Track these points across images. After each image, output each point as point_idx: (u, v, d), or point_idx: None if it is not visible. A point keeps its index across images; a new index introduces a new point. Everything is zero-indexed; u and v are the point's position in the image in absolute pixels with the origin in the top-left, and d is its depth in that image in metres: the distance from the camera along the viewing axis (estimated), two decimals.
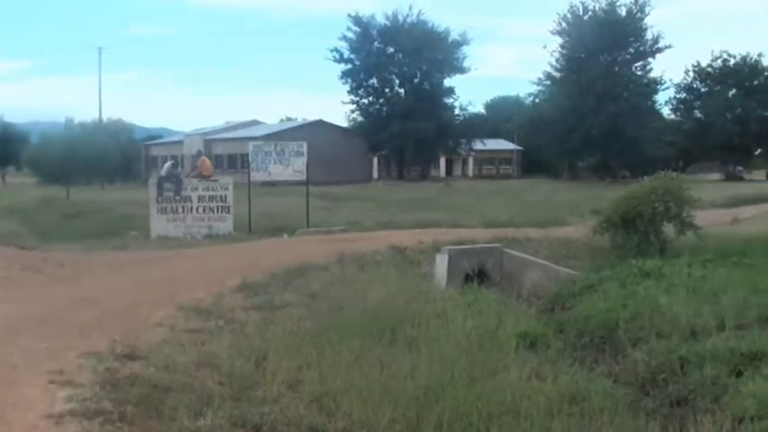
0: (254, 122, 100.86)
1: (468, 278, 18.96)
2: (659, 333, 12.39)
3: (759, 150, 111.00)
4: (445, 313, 13.61)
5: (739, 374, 10.09)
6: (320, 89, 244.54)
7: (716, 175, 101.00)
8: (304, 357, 10.15)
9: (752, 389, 9.35)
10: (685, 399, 9.99)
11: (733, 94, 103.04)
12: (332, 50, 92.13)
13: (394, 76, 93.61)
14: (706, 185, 60.02)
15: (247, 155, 30.37)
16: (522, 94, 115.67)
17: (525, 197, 50.40)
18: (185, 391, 8.27)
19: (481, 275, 19.68)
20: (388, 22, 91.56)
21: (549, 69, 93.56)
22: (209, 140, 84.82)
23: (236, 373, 9.18)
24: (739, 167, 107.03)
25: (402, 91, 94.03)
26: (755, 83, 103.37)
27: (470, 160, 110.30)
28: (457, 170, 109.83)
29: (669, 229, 23.20)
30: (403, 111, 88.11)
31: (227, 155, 77.28)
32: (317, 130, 76.88)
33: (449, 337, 11.70)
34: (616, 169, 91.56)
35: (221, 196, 26.56)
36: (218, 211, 26.50)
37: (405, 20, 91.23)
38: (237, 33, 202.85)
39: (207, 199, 26.41)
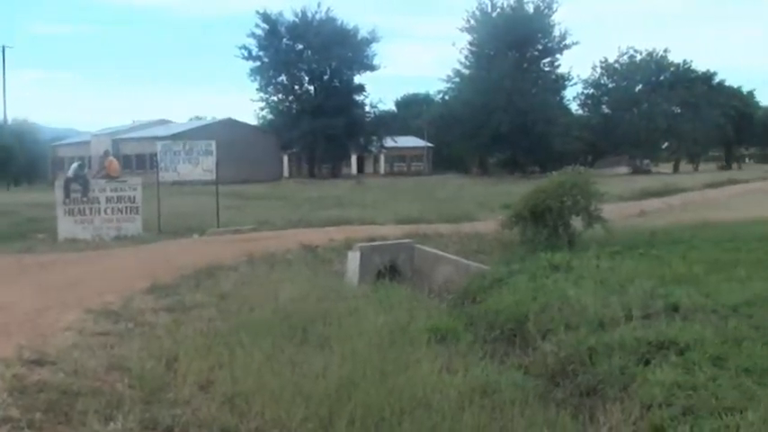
0: (163, 121, 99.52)
1: (380, 275, 19.02)
2: (568, 325, 12.53)
3: (665, 144, 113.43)
4: (357, 310, 13.63)
5: (647, 363, 10.24)
6: (231, 87, 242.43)
7: (623, 169, 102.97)
8: (215, 358, 10.06)
9: (659, 377, 9.51)
10: (594, 388, 10.11)
11: (639, 90, 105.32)
12: (240, 48, 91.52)
13: (303, 74, 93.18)
14: (614, 179, 61.08)
15: (156, 154, 29.95)
16: (432, 92, 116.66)
17: (436, 193, 50.61)
18: (95, 395, 8.14)
19: (393, 272, 19.75)
20: (296, 20, 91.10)
21: (458, 67, 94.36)
22: (116, 140, 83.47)
23: (147, 376, 9.06)
24: (646, 161, 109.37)
25: (312, 88, 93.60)
26: (661, 78, 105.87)
27: (382, 157, 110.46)
28: (368, 167, 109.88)
29: (577, 223, 23.53)
30: (313, 108, 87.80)
31: (135, 155, 76.21)
32: (226, 129, 76.10)
33: (361, 334, 11.69)
34: (525, 164, 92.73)
35: (130, 197, 26.12)
36: (126, 212, 26.05)
37: (314, 17, 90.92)
38: (144, 31, 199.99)
39: (115, 200, 25.95)
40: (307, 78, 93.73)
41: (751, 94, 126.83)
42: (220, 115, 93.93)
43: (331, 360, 10.21)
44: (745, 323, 11.46)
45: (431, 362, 10.45)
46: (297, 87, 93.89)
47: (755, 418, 8.09)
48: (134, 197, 26.23)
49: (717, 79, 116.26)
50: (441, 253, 21.78)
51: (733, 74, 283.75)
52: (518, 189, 28.23)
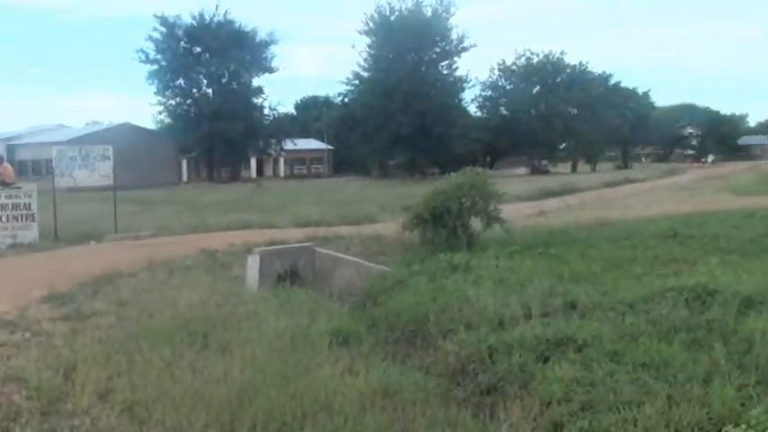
0: (61, 126, 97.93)
1: (280, 278, 18.90)
2: (468, 324, 12.60)
3: (563, 145, 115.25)
4: (257, 315, 13.58)
5: (546, 360, 10.36)
6: (129, 91, 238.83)
7: (522, 170, 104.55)
8: (114, 366, 9.94)
9: (558, 374, 9.63)
10: (495, 386, 10.18)
11: (537, 91, 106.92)
12: (138, 51, 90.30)
13: (201, 77, 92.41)
14: (513, 180, 61.82)
15: (52, 160, 29.35)
16: (332, 94, 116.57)
17: (336, 196, 50.61)
18: None
19: (293, 275, 19.65)
20: (194, 22, 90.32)
21: (357, 69, 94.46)
22: (11, 146, 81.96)
23: (45, 387, 8.93)
24: (544, 161, 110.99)
25: (210, 91, 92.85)
26: (558, 80, 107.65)
27: (281, 160, 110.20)
28: (268, 170, 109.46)
29: (477, 223, 23.70)
30: (211, 111, 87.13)
31: (31, 160, 74.68)
32: (124, 134, 74.86)
33: (261, 338, 11.66)
34: (425, 166, 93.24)
35: (25, 204, 25.53)
36: (22, 220, 25.47)
37: (212, 20, 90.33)
38: (39, 34, 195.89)
39: (10, 207, 25.34)
40: (205, 81, 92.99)
41: (647, 94, 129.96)
42: (119, 120, 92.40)
43: (232, 365, 10.16)
44: (641, 319, 11.66)
45: (332, 365, 10.47)
46: (195, 91, 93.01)
47: (652, 411, 8.24)
48: (29, 204, 25.65)
49: (613, 80, 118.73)
50: (341, 255, 21.75)
51: (629, 75, 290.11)
52: (418, 191, 28.30)
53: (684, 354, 9.94)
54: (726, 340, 10.31)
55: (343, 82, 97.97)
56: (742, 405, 8.23)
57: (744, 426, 7.47)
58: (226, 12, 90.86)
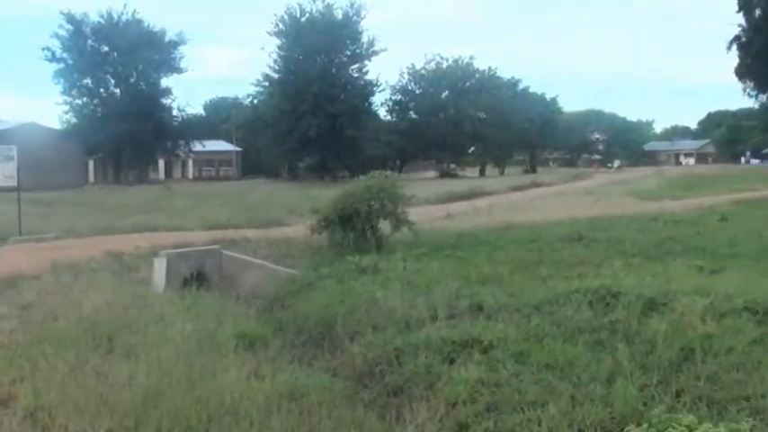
0: None
1: (187, 281, 18.70)
2: (376, 326, 12.63)
3: (472, 148, 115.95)
4: (163, 318, 13.42)
5: (452, 362, 10.42)
6: (35, 90, 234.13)
7: (431, 173, 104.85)
8: (17, 371, 9.75)
9: (464, 375, 9.69)
10: (401, 388, 10.21)
11: (446, 96, 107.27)
12: (44, 49, 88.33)
13: (109, 76, 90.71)
14: (422, 183, 62.11)
15: None
16: (241, 95, 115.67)
17: (245, 198, 50.28)
18: None
19: (200, 278, 19.46)
20: (102, 21, 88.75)
21: (267, 71, 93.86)
22: None
23: None
24: (453, 165, 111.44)
25: (118, 91, 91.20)
26: (467, 84, 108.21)
27: (190, 162, 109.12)
28: (176, 172, 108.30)
29: (385, 226, 23.79)
30: (119, 112, 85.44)
31: None
32: (28, 133, 73.06)
33: (167, 342, 11.52)
34: (335, 169, 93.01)
35: None
36: None
37: (120, 18, 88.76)
38: None
39: None
40: (113, 81, 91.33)
41: (554, 100, 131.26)
42: (24, 119, 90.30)
43: (137, 369, 10.02)
44: (546, 320, 11.82)
45: (238, 368, 10.38)
46: (102, 90, 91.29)
47: (556, 411, 8.36)
48: None
49: (521, 86, 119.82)
50: (249, 258, 21.63)
51: (538, 81, 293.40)
52: (327, 193, 28.32)
53: (588, 354, 10.10)
54: (629, 341, 10.50)
55: (253, 83, 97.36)
56: (644, 404, 8.38)
57: (645, 425, 7.59)
58: (134, 11, 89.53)
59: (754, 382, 8.85)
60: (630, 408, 8.29)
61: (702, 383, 8.96)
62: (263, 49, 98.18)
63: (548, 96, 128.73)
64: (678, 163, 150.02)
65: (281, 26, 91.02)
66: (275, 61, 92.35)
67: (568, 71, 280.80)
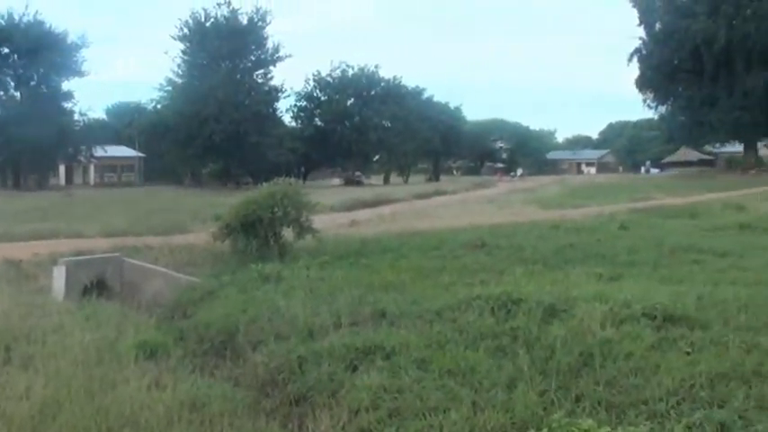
0: None
1: (87, 290, 18.41)
2: (278, 335, 12.58)
3: (377, 156, 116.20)
4: (63, 328, 13.21)
5: (355, 369, 10.44)
6: None
7: (336, 181, 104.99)
8: None
9: (366, 382, 9.70)
10: (304, 396, 10.17)
11: (351, 103, 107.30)
12: None
13: (9, 79, 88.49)
14: (326, 190, 62.08)
15: None
16: (144, 100, 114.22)
17: (147, 205, 49.55)
18: None
19: (101, 286, 19.18)
20: (2, 22, 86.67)
21: (171, 75, 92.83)
22: None
23: None
24: (358, 173, 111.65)
25: (18, 94, 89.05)
26: (372, 92, 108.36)
27: (91, 168, 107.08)
28: (77, 178, 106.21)
29: (289, 234, 23.70)
30: (19, 116, 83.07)
31: None
32: None
33: (66, 352, 11.34)
34: (239, 175, 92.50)
35: None
36: None
37: (21, 20, 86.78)
38: None
39: None
40: (12, 84, 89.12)
41: (458, 109, 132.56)
42: None
43: (35, 380, 9.86)
44: (449, 327, 11.89)
45: (139, 379, 10.26)
46: (2, 93, 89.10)
47: (458, 417, 8.43)
48: None
49: (426, 95, 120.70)
50: (150, 266, 21.37)
51: (441, 90, 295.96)
52: (231, 200, 28.08)
53: (490, 360, 10.19)
54: (530, 347, 10.63)
55: (156, 88, 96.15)
56: (544, 410, 8.49)
57: (545, 430, 7.70)
58: (36, 12, 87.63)
59: (652, 387, 9.03)
60: (531, 413, 8.40)
61: (601, 388, 9.11)
62: (166, 53, 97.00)
63: (452, 105, 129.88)
64: (580, 172, 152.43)
65: (185, 30, 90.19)
66: (179, 66, 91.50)
67: (472, 81, 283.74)
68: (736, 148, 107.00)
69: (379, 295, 14.81)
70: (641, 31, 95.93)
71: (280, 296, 15.49)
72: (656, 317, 11.72)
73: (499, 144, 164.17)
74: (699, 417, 8.17)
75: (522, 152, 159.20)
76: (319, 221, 25.28)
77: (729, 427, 8.02)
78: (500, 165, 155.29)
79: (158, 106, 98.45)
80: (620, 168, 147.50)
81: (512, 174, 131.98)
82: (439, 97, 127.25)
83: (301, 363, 11.01)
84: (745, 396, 8.69)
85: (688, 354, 10.26)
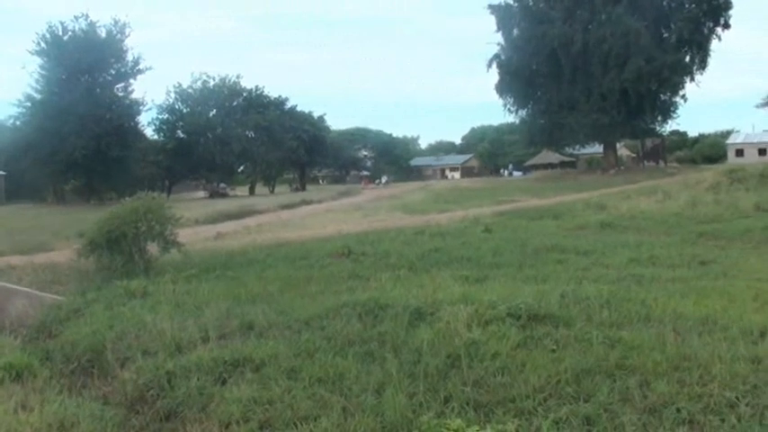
0: None
1: None
2: (146, 351, 12.43)
3: (241, 168, 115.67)
4: None
5: (224, 382, 10.39)
6: None
7: (201, 193, 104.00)
8: None
9: (236, 394, 9.68)
10: (174, 412, 10.08)
11: (214, 114, 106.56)
12: None
13: None
14: (191, 203, 61.49)
15: None
16: (2, 117, 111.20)
17: (9, 224, 48.21)
18: None
19: None
20: None
21: (30, 91, 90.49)
22: None
23: None
24: (223, 184, 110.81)
25: None
26: (234, 103, 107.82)
27: None
28: None
29: (154, 248, 23.43)
30: None
31: None
32: None
33: None
34: (103, 191, 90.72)
35: None
36: None
37: None
38: None
39: None
40: None
41: (322, 118, 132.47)
42: None
43: None
44: (317, 335, 11.94)
45: (4, 401, 10.06)
46: None
47: (328, 424, 8.49)
48: None
49: (289, 105, 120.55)
50: (12, 286, 20.79)
51: (304, 100, 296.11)
52: (94, 216, 27.53)
53: (359, 366, 10.27)
54: (397, 351, 10.75)
55: (15, 104, 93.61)
56: (413, 412, 8.60)
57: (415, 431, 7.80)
58: None
59: (519, 384, 9.22)
60: (400, 416, 8.49)
61: (469, 388, 9.26)
62: (24, 68, 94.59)
63: (315, 115, 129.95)
64: (444, 177, 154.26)
65: (42, 45, 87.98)
66: (37, 81, 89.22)
67: (335, 91, 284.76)
68: (596, 149, 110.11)
69: (246, 307, 14.77)
70: (500, 38, 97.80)
71: (146, 311, 15.27)
72: (520, 316, 11.97)
73: (363, 152, 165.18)
74: (565, 412, 8.40)
75: (386, 159, 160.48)
76: (184, 235, 25.06)
77: (595, 420, 8.26)
78: (365, 173, 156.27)
79: (18, 123, 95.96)
80: (476, 171, 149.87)
81: (377, 181, 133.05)
82: (302, 107, 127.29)
83: (170, 378, 10.90)
84: (609, 390, 8.95)
85: (553, 351, 10.50)
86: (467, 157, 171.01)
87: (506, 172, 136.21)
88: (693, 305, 13.45)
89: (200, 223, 41.80)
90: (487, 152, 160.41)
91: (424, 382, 9.43)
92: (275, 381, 9.97)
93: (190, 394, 10.19)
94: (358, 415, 8.62)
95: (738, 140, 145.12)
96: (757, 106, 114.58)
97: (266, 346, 11.53)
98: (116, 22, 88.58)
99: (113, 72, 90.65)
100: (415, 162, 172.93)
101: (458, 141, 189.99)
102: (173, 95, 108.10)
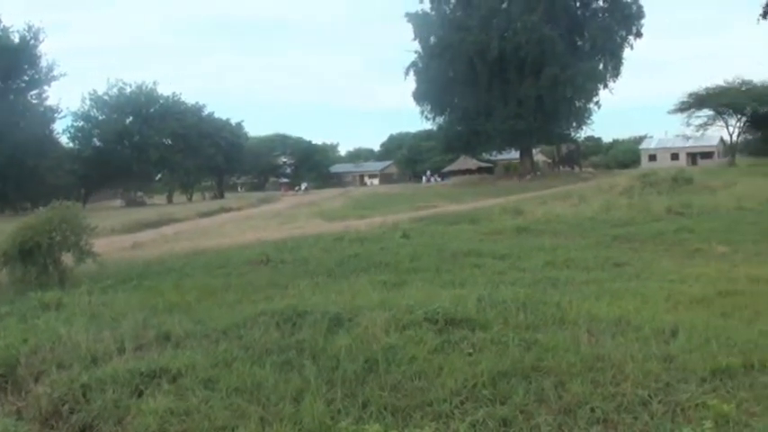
0: None
1: None
2: (61, 364, 12.19)
3: (159, 175, 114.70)
4: None
5: (141, 394, 10.26)
6: None
7: (118, 202, 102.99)
8: None
9: (153, 406, 9.55)
10: (90, 425, 9.92)
11: (130, 122, 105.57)
12: None
13: None
14: (108, 212, 60.84)
15: None
16: None
17: None
18: None
19: None
20: None
21: None
22: None
23: None
24: (140, 193, 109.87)
25: None
26: (151, 110, 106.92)
27: None
28: None
29: (69, 259, 23.10)
30: None
31: None
32: None
33: None
34: (17, 201, 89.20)
35: None
36: None
37: None
38: None
39: None
40: None
41: (240, 125, 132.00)
42: None
43: None
44: (235, 345, 11.84)
45: None
46: None
47: None
48: None
49: (206, 111, 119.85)
50: None
51: (222, 107, 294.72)
52: (8, 227, 26.97)
53: (277, 375, 10.21)
54: (316, 358, 10.72)
55: None
56: (332, 418, 8.59)
57: None
58: None
59: (436, 388, 9.27)
60: (319, 423, 8.48)
61: (387, 393, 9.28)
62: None
63: (233, 121, 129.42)
64: (363, 184, 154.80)
65: None
66: None
67: (253, 97, 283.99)
68: (513, 155, 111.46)
69: (163, 317, 14.58)
70: (417, 45, 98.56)
71: (61, 324, 14.97)
72: (438, 320, 12.01)
73: (283, 159, 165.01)
74: (482, 414, 8.46)
75: (305, 166, 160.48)
76: (101, 245, 24.75)
77: (511, 422, 8.33)
78: (285, 179, 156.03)
79: None
80: (395, 177, 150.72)
81: (297, 188, 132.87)
82: (220, 114, 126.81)
83: (85, 391, 10.72)
84: (525, 391, 9.03)
85: (470, 354, 10.56)
86: (386, 163, 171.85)
87: (425, 178, 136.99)
88: (607, 307, 13.69)
89: (116, 232, 41.38)
90: (406, 159, 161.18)
91: (342, 389, 9.43)
92: (192, 391, 9.88)
93: (105, 407, 10.04)
94: (276, 424, 8.58)
95: (651, 146, 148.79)
96: (669, 112, 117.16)
97: (183, 356, 11.40)
98: (29, 28, 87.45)
99: (27, 79, 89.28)
100: (335, 169, 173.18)
101: (377, 148, 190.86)
102: (88, 102, 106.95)
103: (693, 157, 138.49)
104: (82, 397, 10.63)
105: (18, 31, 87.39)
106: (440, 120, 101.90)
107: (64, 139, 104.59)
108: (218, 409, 9.27)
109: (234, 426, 8.73)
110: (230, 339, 12.23)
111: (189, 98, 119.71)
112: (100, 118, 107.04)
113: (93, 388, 10.72)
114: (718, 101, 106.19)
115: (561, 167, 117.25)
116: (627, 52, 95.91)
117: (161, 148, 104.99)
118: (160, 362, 11.17)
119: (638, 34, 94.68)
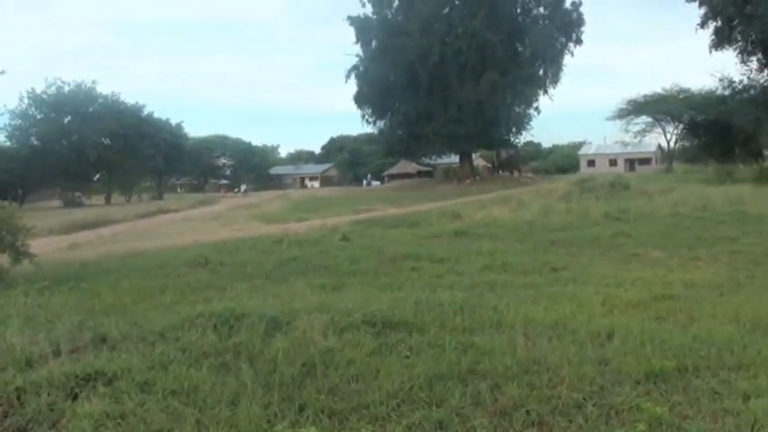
0: None
1: None
2: None
3: (98, 176, 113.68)
4: None
5: (76, 397, 10.18)
6: None
7: (56, 202, 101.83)
8: None
9: (88, 409, 9.48)
10: (24, 429, 9.83)
11: (69, 121, 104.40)
12: None
13: None
14: (45, 213, 60.12)
15: None
16: None
17: None
18: None
19: None
20: None
21: None
22: None
23: None
24: (78, 193, 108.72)
25: None
26: (90, 110, 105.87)
27: None
28: None
29: (4, 259, 22.85)
30: None
31: None
32: None
33: None
34: None
35: None
36: None
37: None
38: None
39: None
40: None
41: (180, 126, 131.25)
42: None
43: None
44: (172, 347, 11.78)
45: None
46: None
47: None
48: None
49: (146, 111, 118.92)
50: None
51: (162, 107, 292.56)
52: None
53: (213, 378, 10.19)
54: (253, 361, 10.71)
55: None
56: (268, 422, 8.59)
57: None
58: None
59: (373, 391, 9.31)
60: (255, 426, 8.48)
61: (324, 396, 9.30)
62: None
63: (173, 122, 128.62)
64: (303, 186, 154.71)
65: None
66: None
67: (193, 98, 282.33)
68: (453, 159, 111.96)
69: (100, 319, 14.47)
70: (359, 49, 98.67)
71: None
72: (375, 323, 12.09)
73: (222, 160, 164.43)
74: (418, 417, 8.50)
75: (245, 168, 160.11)
76: (37, 245, 24.49)
77: (447, 424, 8.38)
78: (224, 181, 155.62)
79: None
80: (336, 180, 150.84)
81: (236, 190, 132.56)
82: (160, 114, 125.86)
83: (20, 394, 10.61)
84: (461, 394, 9.10)
85: (407, 357, 10.62)
86: (326, 166, 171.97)
87: (365, 181, 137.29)
88: (544, 310, 13.83)
89: (54, 233, 40.92)
90: (347, 162, 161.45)
91: (279, 392, 9.42)
92: (128, 394, 9.82)
93: (40, 410, 9.94)
94: (212, 427, 8.56)
95: (590, 151, 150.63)
96: (608, 119, 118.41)
97: (119, 358, 11.33)
98: None
99: None
100: (275, 171, 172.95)
101: (317, 150, 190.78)
102: (26, 101, 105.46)
103: (631, 163, 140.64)
104: (16, 400, 10.52)
105: None
106: (381, 123, 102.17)
107: (0, 138, 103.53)
108: (154, 412, 9.22)
109: (170, 429, 8.69)
110: (167, 342, 12.16)
111: (128, 98, 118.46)
112: (38, 117, 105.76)
113: (28, 391, 10.61)
114: (656, 108, 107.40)
115: (501, 172, 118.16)
116: (567, 59, 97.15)
117: (99, 148, 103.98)
118: (96, 365, 11.08)
119: (578, 41, 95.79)
